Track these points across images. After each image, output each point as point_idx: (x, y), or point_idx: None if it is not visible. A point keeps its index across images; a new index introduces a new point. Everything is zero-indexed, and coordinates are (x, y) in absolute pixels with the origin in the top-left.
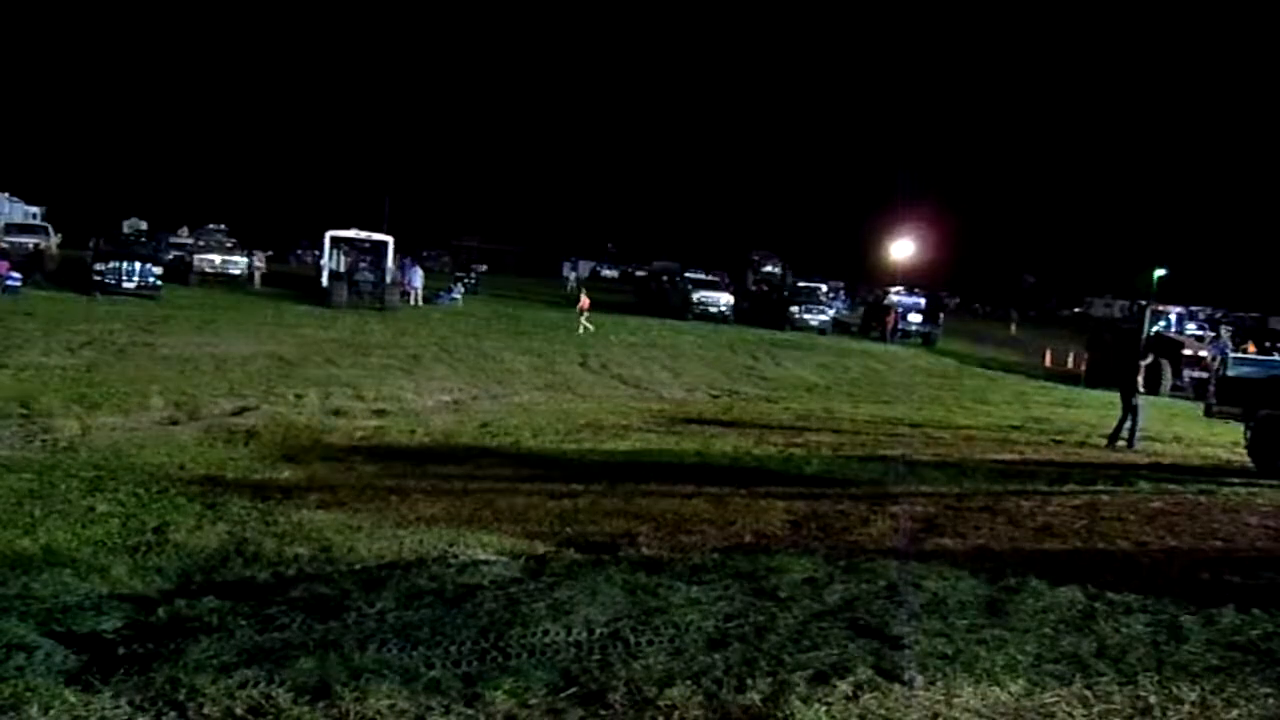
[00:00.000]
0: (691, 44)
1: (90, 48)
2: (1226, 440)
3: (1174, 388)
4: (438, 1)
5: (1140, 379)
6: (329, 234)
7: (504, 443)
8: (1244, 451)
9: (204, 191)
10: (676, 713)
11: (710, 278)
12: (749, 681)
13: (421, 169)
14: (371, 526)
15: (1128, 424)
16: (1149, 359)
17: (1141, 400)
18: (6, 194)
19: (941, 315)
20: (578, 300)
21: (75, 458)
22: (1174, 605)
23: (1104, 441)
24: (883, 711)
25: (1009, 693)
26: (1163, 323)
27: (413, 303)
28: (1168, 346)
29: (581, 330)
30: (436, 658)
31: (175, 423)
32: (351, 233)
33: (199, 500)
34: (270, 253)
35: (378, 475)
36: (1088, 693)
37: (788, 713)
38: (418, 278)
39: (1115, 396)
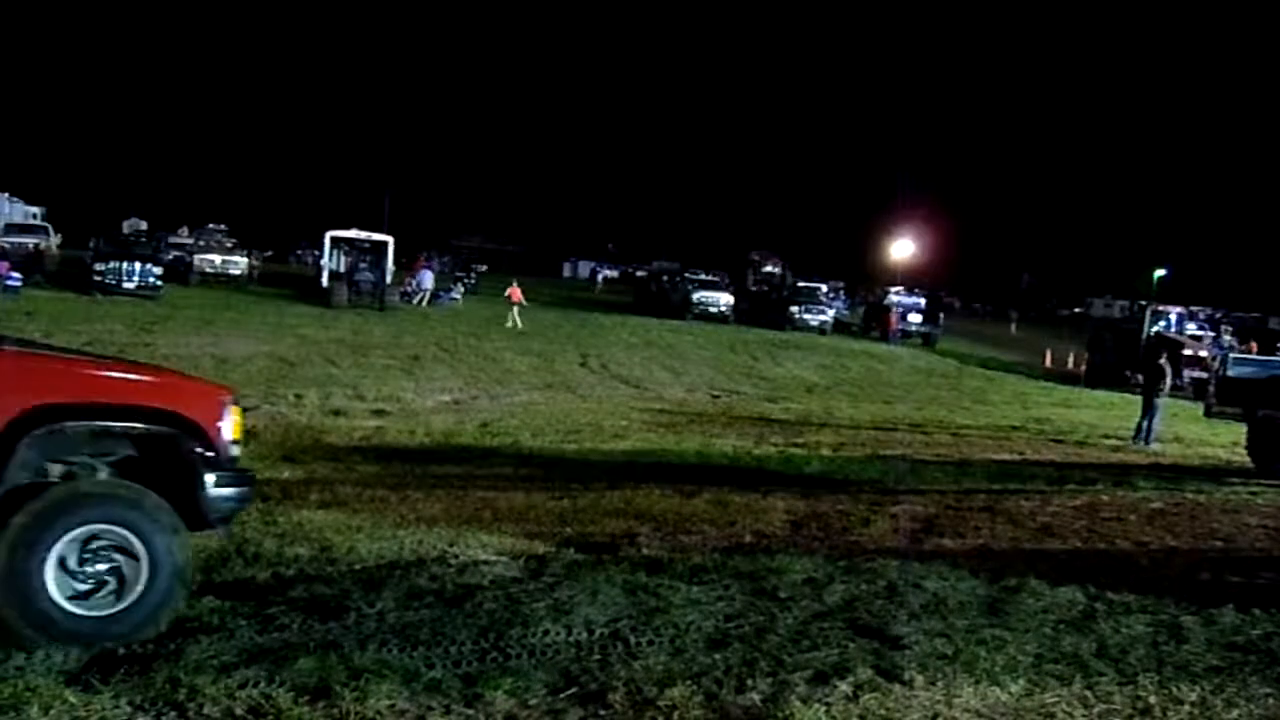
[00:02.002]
0: (691, 44)
1: (90, 47)
2: (1226, 440)
3: (1174, 387)
4: (438, 1)
5: (1162, 379)
6: (329, 234)
7: (504, 443)
8: (1244, 451)
9: (204, 191)
10: (676, 713)
11: (710, 278)
12: (749, 681)
13: (421, 168)
14: (371, 526)
15: (1146, 421)
16: (1162, 358)
17: (1159, 401)
18: (6, 194)
19: (941, 315)
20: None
21: None
22: (1174, 605)
23: (1105, 441)
24: (883, 711)
25: (1009, 693)
26: (1162, 323)
27: (415, 303)
28: (1167, 346)
29: (510, 324)
30: (436, 658)
31: None
32: (351, 233)
33: None
34: (270, 252)
35: (378, 475)
36: (1088, 693)
37: (788, 713)
38: (428, 279)
39: (1114, 397)
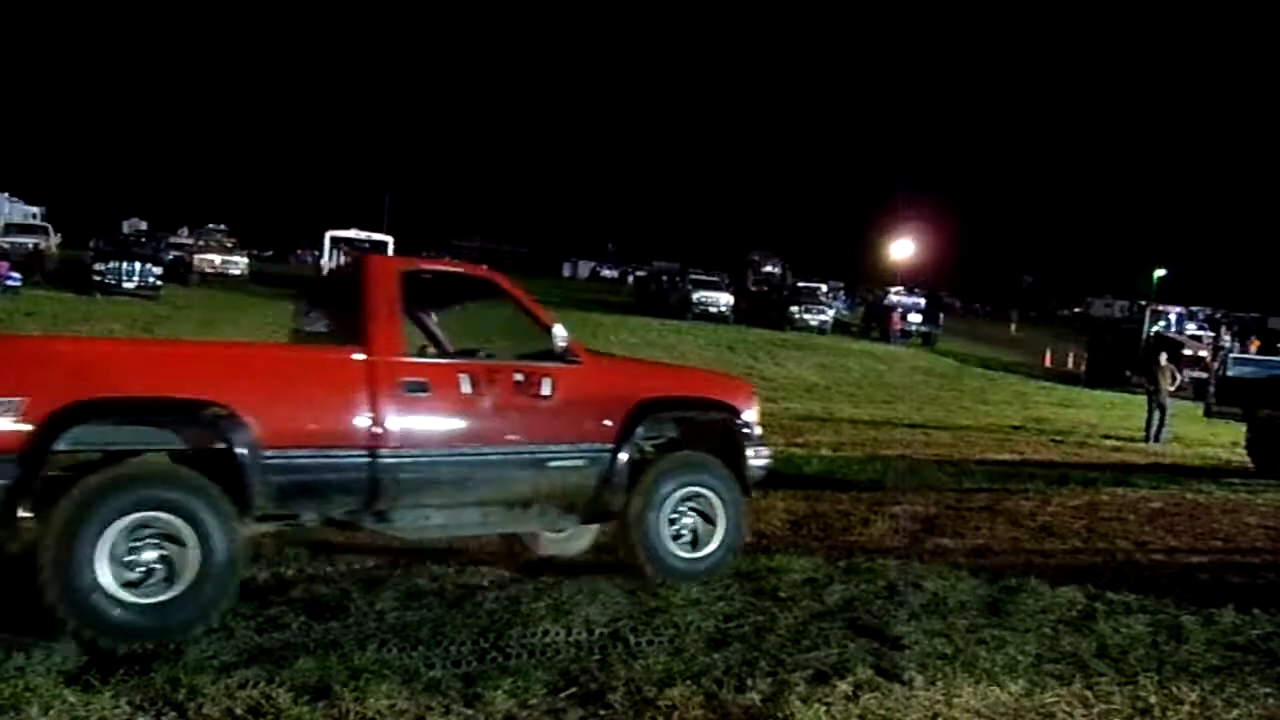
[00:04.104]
0: (692, 44)
1: (90, 48)
2: (1226, 440)
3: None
4: (438, 1)
5: (1164, 378)
6: (329, 234)
7: None
8: (1244, 451)
9: (204, 191)
10: (676, 713)
11: (710, 278)
12: (749, 681)
13: (422, 168)
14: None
15: (1155, 421)
16: (1162, 358)
17: (1167, 400)
18: (6, 194)
19: (941, 315)
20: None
21: None
22: (1174, 605)
23: (1105, 441)
24: (882, 711)
25: (1009, 693)
26: (1162, 323)
27: None
28: (1167, 347)
29: None
30: (436, 657)
31: None
32: (351, 233)
33: None
34: (270, 252)
35: None
36: (1088, 693)
37: (787, 713)
38: None
39: (1114, 397)
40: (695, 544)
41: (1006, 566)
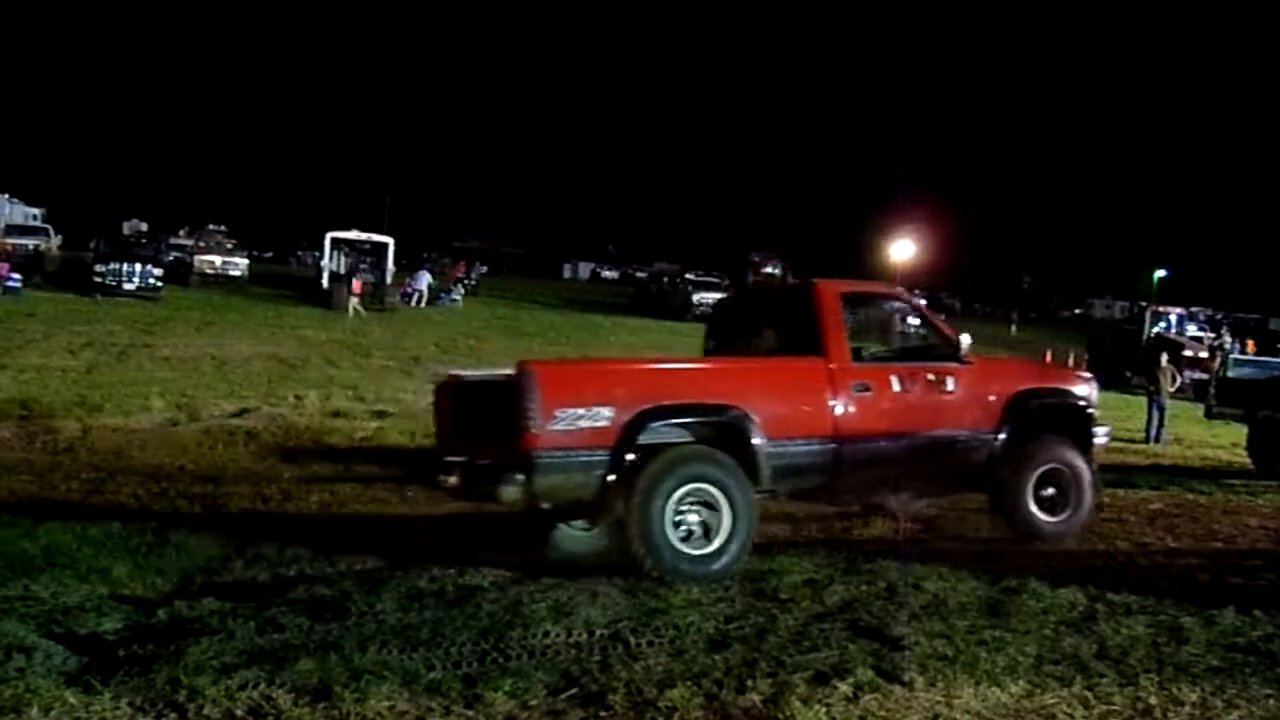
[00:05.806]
0: (691, 44)
1: (90, 48)
2: (1226, 441)
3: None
4: (438, 2)
5: (1164, 379)
6: (329, 235)
7: None
8: (1244, 452)
9: (204, 192)
10: (677, 714)
11: (710, 278)
12: (749, 682)
13: (422, 169)
14: (372, 527)
15: (1155, 421)
16: (1163, 359)
17: (1166, 400)
18: (7, 195)
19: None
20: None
21: (75, 459)
22: (1174, 606)
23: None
24: (883, 712)
25: (1009, 694)
26: (1162, 324)
27: (413, 304)
28: (1167, 347)
29: (351, 314)
30: (437, 659)
31: (175, 424)
32: (352, 234)
33: (199, 501)
34: (270, 253)
35: (378, 476)
36: (1088, 694)
37: (788, 714)
38: (422, 280)
39: (1114, 397)
40: (1055, 509)
41: (1007, 567)
